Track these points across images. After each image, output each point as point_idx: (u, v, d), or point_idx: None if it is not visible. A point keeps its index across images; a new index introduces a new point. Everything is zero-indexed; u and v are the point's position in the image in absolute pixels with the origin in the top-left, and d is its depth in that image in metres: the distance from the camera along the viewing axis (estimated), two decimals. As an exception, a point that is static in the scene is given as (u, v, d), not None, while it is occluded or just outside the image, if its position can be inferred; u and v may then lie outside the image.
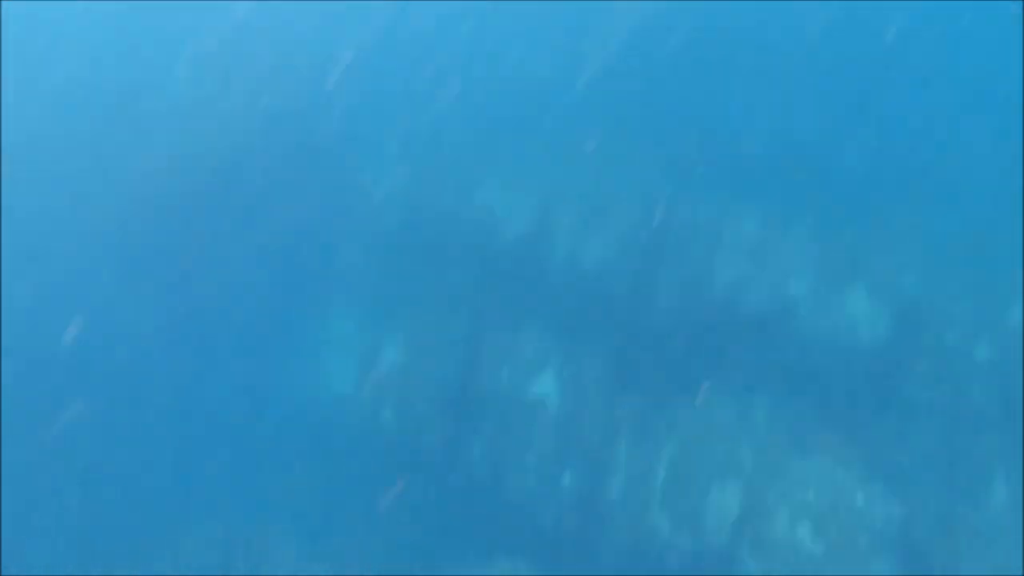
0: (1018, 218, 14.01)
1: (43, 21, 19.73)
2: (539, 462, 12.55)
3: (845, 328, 13.21)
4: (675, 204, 15.27)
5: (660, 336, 14.07)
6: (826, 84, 17.29)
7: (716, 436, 12.48)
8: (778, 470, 11.72)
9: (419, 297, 15.12)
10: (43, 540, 13.53)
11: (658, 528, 11.98)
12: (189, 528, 13.47)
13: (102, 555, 13.40)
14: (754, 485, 11.72)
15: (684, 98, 17.38)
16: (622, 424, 12.85)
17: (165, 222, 16.67)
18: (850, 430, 12.63)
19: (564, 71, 18.22)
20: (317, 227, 16.71)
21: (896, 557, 10.79)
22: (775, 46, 17.56)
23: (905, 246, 14.29)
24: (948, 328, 12.89)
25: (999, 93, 16.57)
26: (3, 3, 17.46)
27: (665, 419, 12.88)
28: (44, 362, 14.91)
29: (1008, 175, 15.40)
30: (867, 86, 17.13)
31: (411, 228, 16.09)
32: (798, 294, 13.38)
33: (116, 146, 17.89)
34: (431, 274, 15.58)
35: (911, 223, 14.42)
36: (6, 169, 16.62)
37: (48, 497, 14.00)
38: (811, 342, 13.13)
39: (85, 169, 17.58)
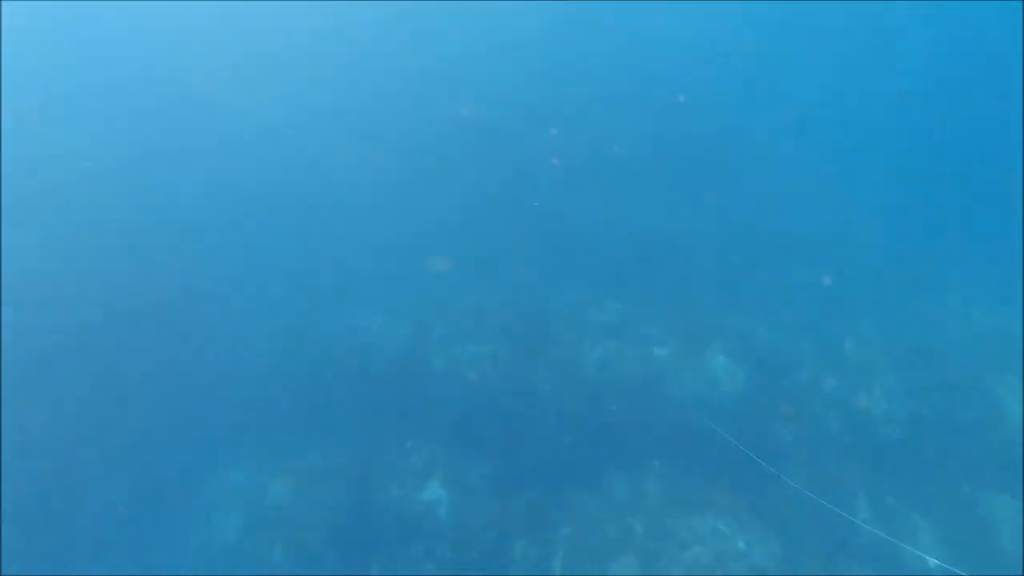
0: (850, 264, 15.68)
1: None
2: (437, 568, 12.30)
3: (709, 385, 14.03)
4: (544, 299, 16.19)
5: (544, 425, 14.48)
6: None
7: (609, 515, 12.68)
8: (668, 534, 11.96)
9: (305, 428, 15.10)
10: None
11: (563, 617, 11.84)
12: None
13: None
14: (649, 554, 11.88)
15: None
16: (515, 518, 12.89)
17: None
18: (731, 480, 13.16)
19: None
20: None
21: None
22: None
23: (754, 305, 15.55)
24: (797, 369, 13.91)
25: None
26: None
27: (558, 510, 13.02)
28: None
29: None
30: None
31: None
32: (663, 360, 14.18)
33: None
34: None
35: (758, 284, 15.77)
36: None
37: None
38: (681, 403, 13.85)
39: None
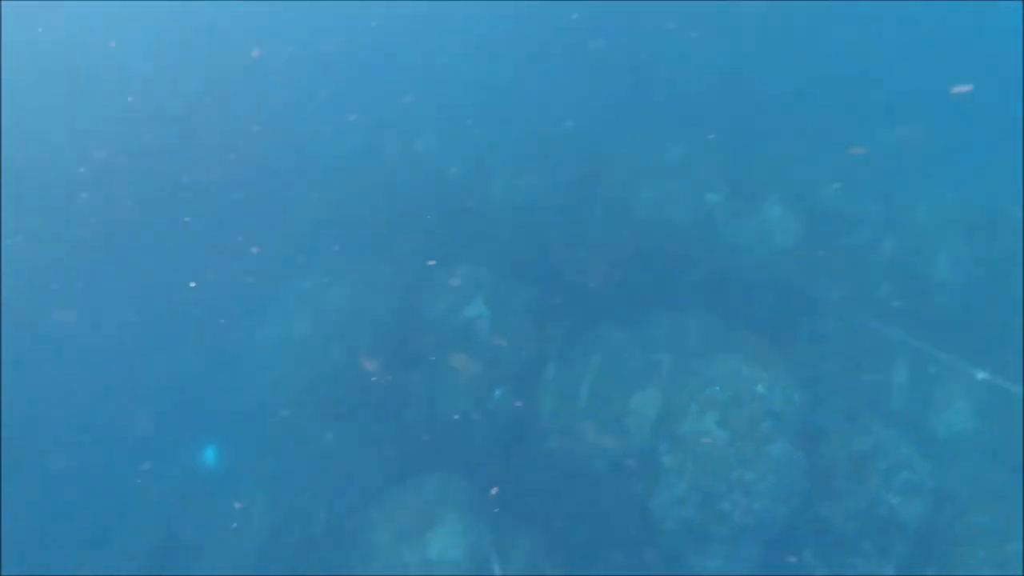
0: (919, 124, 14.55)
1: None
2: (472, 382, 13.24)
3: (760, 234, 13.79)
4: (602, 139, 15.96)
5: (589, 260, 14.76)
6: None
7: (638, 350, 13.10)
8: (693, 372, 12.33)
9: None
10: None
11: (584, 437, 12.64)
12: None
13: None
14: (670, 388, 12.34)
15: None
16: (551, 343, 13.54)
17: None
18: (767, 329, 13.25)
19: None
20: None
21: (793, 439, 11.40)
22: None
23: (824, 159, 14.82)
24: (855, 229, 13.42)
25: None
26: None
27: (590, 338, 13.54)
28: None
29: (911, 95, 15.90)
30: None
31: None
32: (716, 206, 13.95)
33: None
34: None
35: (823, 138, 14.94)
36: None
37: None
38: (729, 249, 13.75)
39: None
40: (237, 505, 13.12)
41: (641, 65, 17.86)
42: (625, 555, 12.60)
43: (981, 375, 11.91)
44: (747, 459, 11.21)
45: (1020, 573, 10.35)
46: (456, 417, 13.20)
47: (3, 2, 17.77)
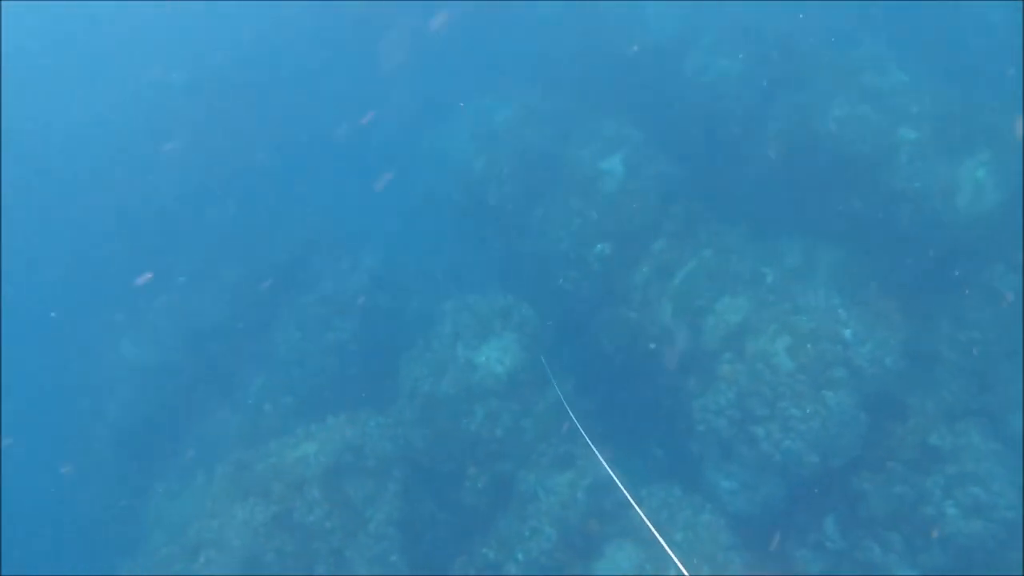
0: None
1: None
2: (581, 227, 13.29)
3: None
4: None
5: (749, 157, 13.77)
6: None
7: (750, 258, 12.28)
8: (789, 295, 11.39)
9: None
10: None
11: (661, 319, 12.36)
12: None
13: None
14: (761, 303, 11.54)
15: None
16: (670, 221, 13.08)
17: None
18: (904, 287, 11.74)
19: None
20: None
21: (862, 398, 10.26)
22: None
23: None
24: (1065, 219, 11.10)
25: None
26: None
27: (708, 231, 12.86)
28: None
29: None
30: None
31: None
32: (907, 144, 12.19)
33: None
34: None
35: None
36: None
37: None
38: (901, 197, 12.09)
39: None
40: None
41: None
42: (652, 439, 12.49)
43: None
44: (799, 395, 10.35)
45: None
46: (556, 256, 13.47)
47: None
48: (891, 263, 12.07)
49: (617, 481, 8.01)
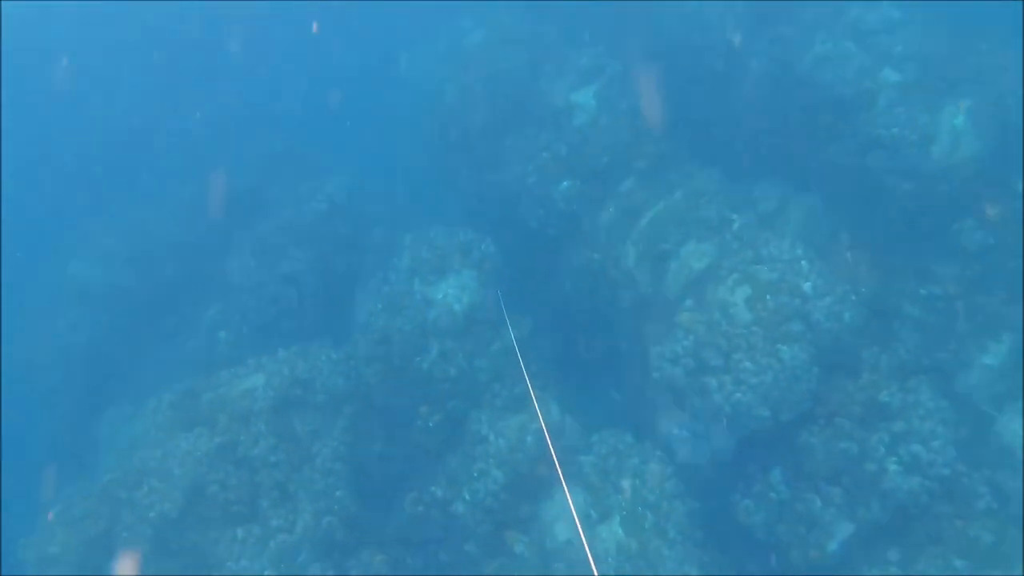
0: None
1: None
2: (549, 162, 12.78)
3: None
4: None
5: (728, 95, 13.19)
6: None
7: (719, 203, 11.88)
8: (754, 244, 11.07)
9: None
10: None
11: (625, 262, 12.05)
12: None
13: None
14: (725, 250, 11.23)
15: None
16: (641, 159, 12.60)
17: None
18: (875, 240, 11.45)
19: None
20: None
21: (816, 353, 10.09)
22: None
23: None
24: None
25: None
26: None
27: (680, 172, 12.42)
28: None
29: None
30: None
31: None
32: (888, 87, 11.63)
33: None
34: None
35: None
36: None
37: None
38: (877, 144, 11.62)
39: None
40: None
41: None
42: (610, 383, 12.43)
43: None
44: (753, 348, 10.17)
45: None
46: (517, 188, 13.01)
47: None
48: (863, 214, 11.75)
49: (549, 442, 7.85)
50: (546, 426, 10.75)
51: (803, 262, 10.47)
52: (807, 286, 10.23)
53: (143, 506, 10.05)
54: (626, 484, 10.52)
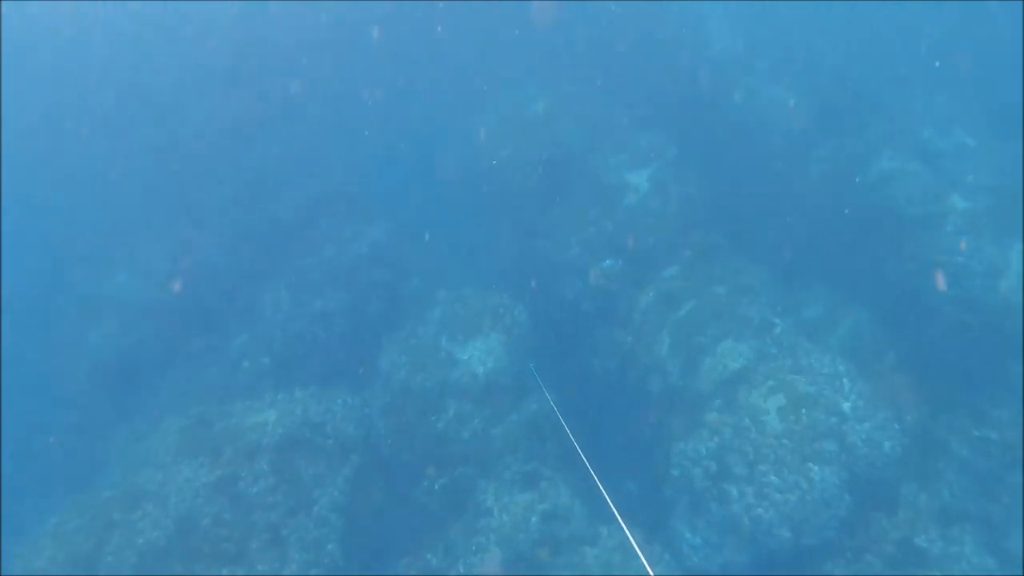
0: None
1: None
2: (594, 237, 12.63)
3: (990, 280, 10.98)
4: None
5: (784, 195, 12.96)
6: None
7: (763, 304, 11.51)
8: (793, 352, 10.62)
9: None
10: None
11: (658, 349, 11.69)
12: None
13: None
14: (763, 354, 10.79)
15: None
16: (687, 248, 12.36)
17: None
18: (922, 375, 10.90)
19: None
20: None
21: (850, 479, 9.49)
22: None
23: None
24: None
25: None
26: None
27: (726, 266, 12.10)
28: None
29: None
30: None
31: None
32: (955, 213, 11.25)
33: None
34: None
35: None
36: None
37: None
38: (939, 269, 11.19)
39: None
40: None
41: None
42: (627, 473, 11.90)
43: None
44: (781, 462, 9.64)
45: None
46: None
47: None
48: (915, 338, 11.24)
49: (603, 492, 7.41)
50: (559, 502, 10.30)
51: (844, 380, 9.98)
52: (846, 406, 9.72)
53: (134, 530, 9.83)
54: (629, 580, 9.95)
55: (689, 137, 13.59)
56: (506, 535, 10.39)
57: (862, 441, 9.65)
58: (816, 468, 9.49)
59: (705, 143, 13.53)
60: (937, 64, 12.72)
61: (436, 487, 11.10)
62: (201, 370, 13.71)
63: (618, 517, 7.30)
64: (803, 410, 9.84)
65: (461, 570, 10.34)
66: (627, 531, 7.36)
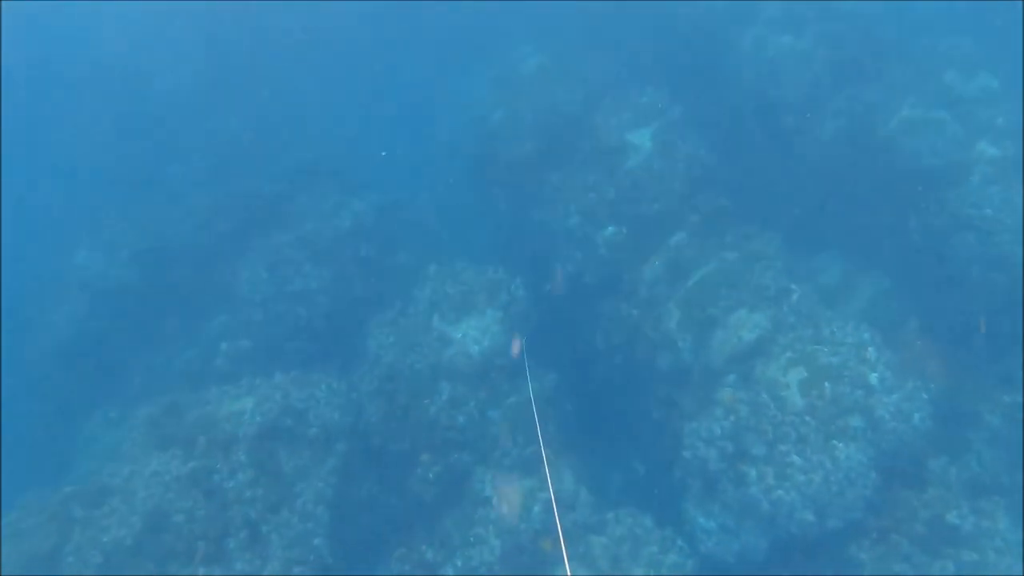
0: None
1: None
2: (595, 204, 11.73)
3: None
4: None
5: (798, 154, 12.08)
6: None
7: (778, 270, 10.66)
8: (814, 321, 9.81)
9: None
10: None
11: (666, 322, 10.85)
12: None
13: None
14: (780, 323, 9.98)
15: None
16: (695, 213, 11.47)
17: None
18: (949, 341, 10.12)
19: None
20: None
21: (877, 456, 8.72)
22: None
23: None
24: None
25: None
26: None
27: (737, 232, 11.23)
28: None
29: None
30: None
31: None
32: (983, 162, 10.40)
33: None
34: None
35: None
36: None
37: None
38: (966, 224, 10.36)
39: None
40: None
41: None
42: (634, 453, 11.15)
43: None
44: (804, 441, 8.86)
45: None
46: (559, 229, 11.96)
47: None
48: (940, 301, 10.43)
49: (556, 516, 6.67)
50: (556, 497, 9.54)
51: (870, 348, 9.16)
52: (874, 377, 8.91)
53: (98, 528, 9.02)
54: (639, 573, 9.19)
55: (693, 92, 12.66)
56: (505, 525, 9.63)
57: (890, 415, 8.87)
58: (841, 446, 8.70)
59: (711, 98, 12.59)
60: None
61: (430, 476, 10.29)
62: (176, 354, 12.86)
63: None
64: (826, 383, 9.03)
65: (459, 563, 9.59)
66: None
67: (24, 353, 12.98)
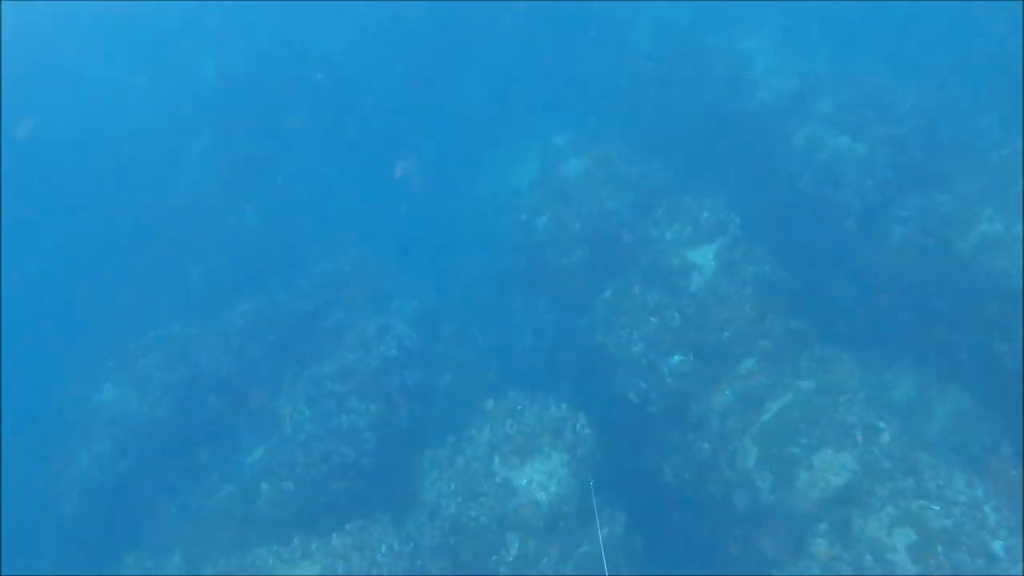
0: None
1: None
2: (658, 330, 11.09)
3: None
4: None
5: (865, 264, 11.53)
6: None
7: (862, 404, 10.06)
8: (916, 467, 9.21)
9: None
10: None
11: (743, 460, 10.22)
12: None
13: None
14: (872, 468, 9.36)
15: None
16: (765, 338, 10.87)
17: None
18: None
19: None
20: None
21: None
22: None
23: None
24: None
25: None
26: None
27: (811, 357, 10.63)
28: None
29: None
30: None
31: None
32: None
33: None
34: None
35: None
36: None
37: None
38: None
39: None
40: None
41: None
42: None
43: None
44: (921, 617, 8.23)
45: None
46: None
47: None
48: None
49: None
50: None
51: (987, 508, 8.56)
52: (998, 545, 8.30)
53: None
54: None
55: (749, 199, 12.07)
56: None
57: (1012, 585, 8.26)
58: (962, 627, 8.10)
59: (768, 206, 12.02)
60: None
61: (503, 640, 9.61)
62: (211, 492, 12.08)
63: None
64: (939, 549, 8.41)
65: None
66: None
67: (46, 497, 12.15)
